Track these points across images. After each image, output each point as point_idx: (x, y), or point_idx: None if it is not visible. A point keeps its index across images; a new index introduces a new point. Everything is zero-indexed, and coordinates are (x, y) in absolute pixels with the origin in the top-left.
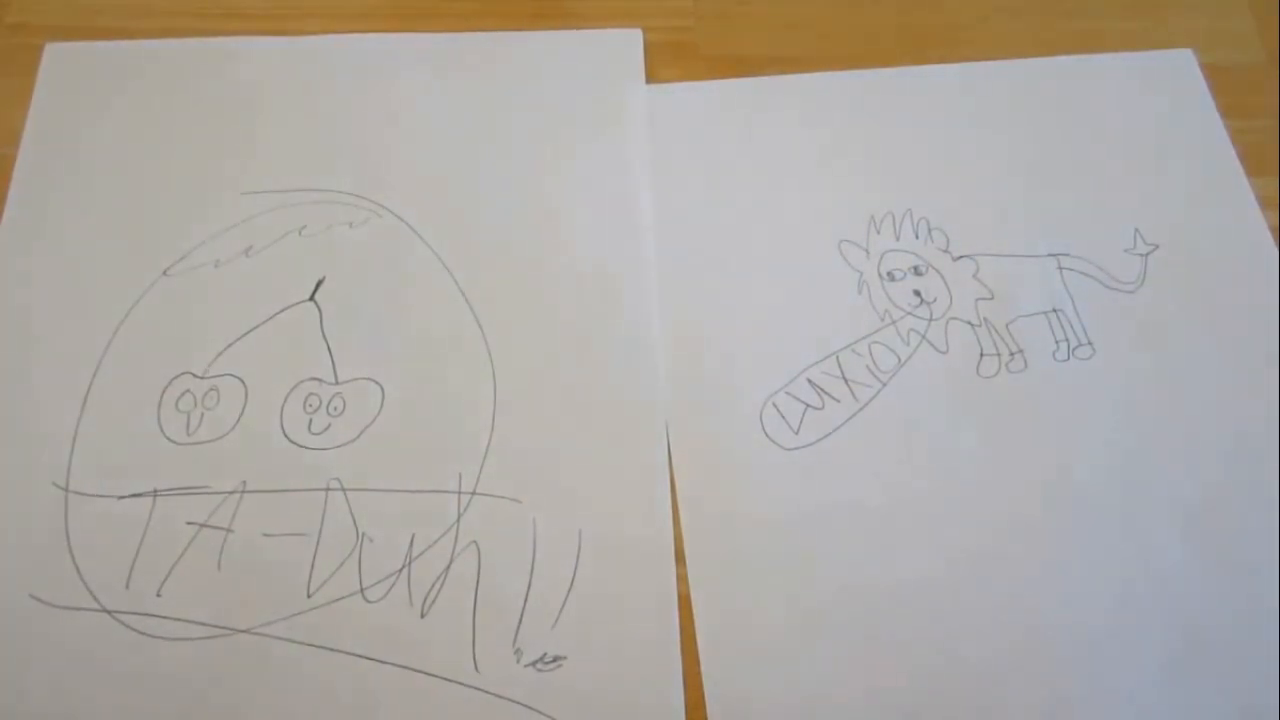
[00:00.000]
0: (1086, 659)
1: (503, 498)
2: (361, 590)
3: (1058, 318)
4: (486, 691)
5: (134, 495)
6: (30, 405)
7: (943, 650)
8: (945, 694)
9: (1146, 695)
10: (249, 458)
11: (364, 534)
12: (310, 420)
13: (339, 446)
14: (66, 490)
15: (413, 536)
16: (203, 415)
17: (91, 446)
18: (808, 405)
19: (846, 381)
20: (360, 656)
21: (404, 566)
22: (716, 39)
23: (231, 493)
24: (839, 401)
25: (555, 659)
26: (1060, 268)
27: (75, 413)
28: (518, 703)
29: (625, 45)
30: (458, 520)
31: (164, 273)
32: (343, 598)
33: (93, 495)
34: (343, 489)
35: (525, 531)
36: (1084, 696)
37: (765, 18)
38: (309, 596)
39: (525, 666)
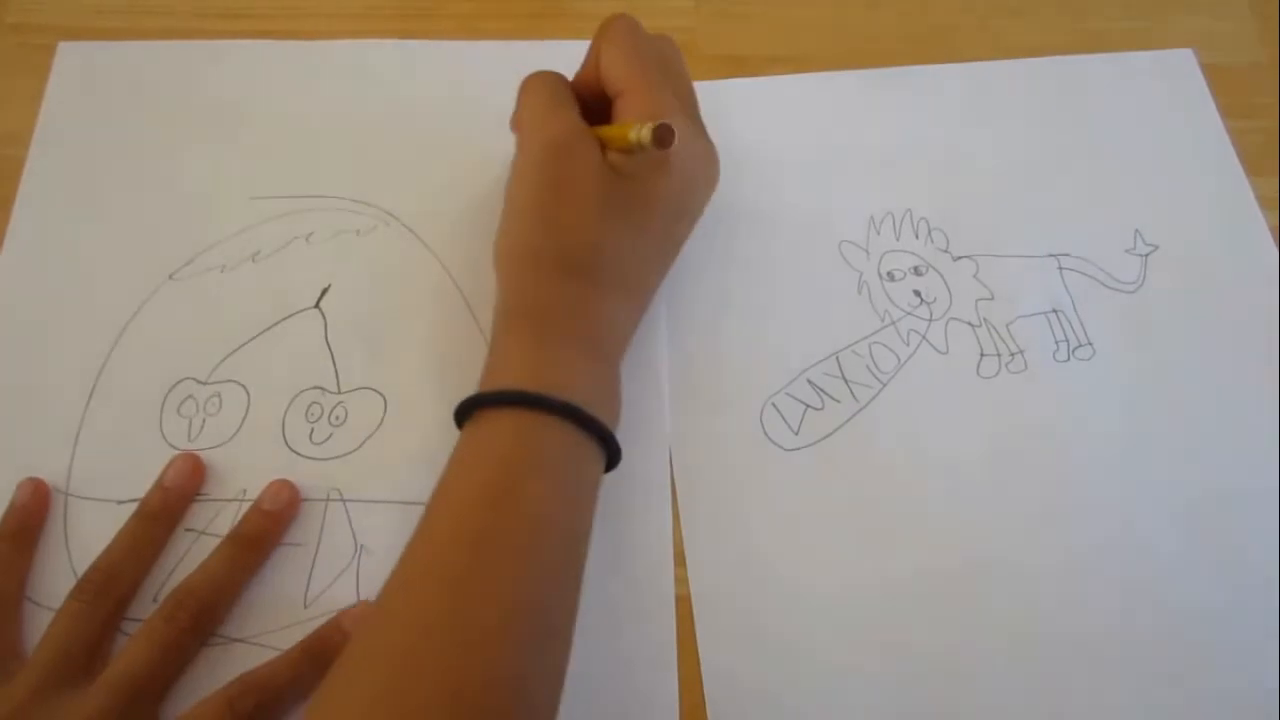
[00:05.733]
0: (1086, 657)
1: None
2: (359, 602)
3: (1058, 318)
4: None
5: (134, 500)
6: (32, 408)
7: (942, 650)
8: (945, 693)
9: (1146, 692)
10: (249, 466)
11: (362, 546)
12: (312, 429)
13: (340, 457)
14: (66, 494)
15: None
16: (204, 421)
17: (92, 450)
18: (808, 405)
19: (846, 382)
20: None
21: None
22: (716, 39)
23: (231, 500)
24: (839, 402)
25: None
26: (1060, 268)
27: (77, 416)
28: None
29: None
30: None
31: (170, 277)
32: (339, 609)
33: (93, 499)
34: (342, 499)
35: None
36: (1084, 694)
37: (765, 18)
38: (305, 607)
39: None
